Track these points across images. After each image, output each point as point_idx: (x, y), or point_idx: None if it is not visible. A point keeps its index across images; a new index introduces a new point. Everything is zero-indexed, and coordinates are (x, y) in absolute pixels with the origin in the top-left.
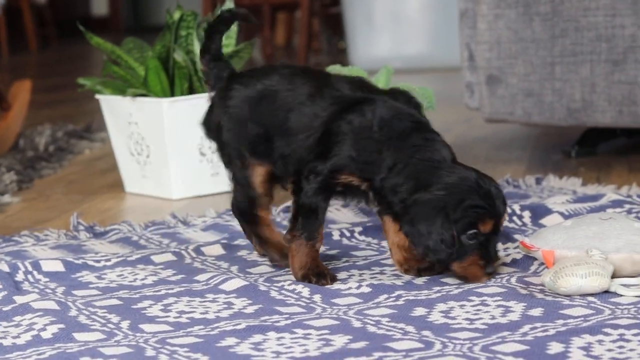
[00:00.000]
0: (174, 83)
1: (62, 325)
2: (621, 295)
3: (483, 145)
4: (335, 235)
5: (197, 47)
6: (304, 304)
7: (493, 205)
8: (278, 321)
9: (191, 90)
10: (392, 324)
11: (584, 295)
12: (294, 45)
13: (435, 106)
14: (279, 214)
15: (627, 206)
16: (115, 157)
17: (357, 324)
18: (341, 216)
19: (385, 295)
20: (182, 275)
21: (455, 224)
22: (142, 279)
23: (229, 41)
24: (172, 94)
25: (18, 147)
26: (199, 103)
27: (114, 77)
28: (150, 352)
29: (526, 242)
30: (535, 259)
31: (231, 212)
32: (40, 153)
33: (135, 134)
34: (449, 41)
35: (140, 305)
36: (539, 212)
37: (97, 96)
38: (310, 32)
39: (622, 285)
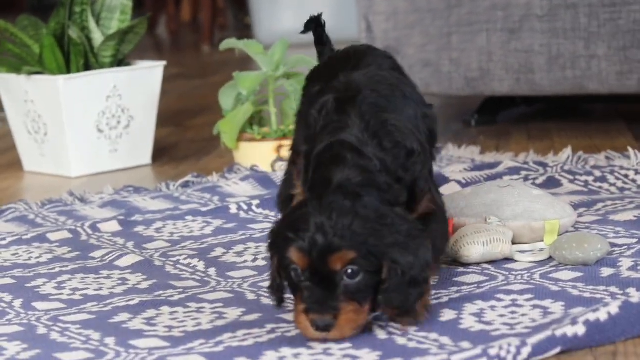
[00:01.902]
0: (70, 60)
1: None
2: (516, 262)
3: None
4: (233, 209)
5: (92, 24)
6: (199, 277)
7: (304, 237)
8: (172, 296)
9: (87, 67)
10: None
11: (485, 262)
12: (199, 22)
13: None
14: None
15: (524, 173)
16: (13, 136)
17: (251, 296)
18: (239, 190)
19: None
20: (77, 253)
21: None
22: (37, 257)
23: (123, 17)
24: (68, 71)
25: None
26: (95, 80)
27: (8, 55)
28: (41, 330)
29: None
30: None
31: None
32: None
33: (32, 112)
34: (350, 14)
35: (34, 283)
36: (438, 181)
37: None
38: (216, 8)
39: (518, 251)
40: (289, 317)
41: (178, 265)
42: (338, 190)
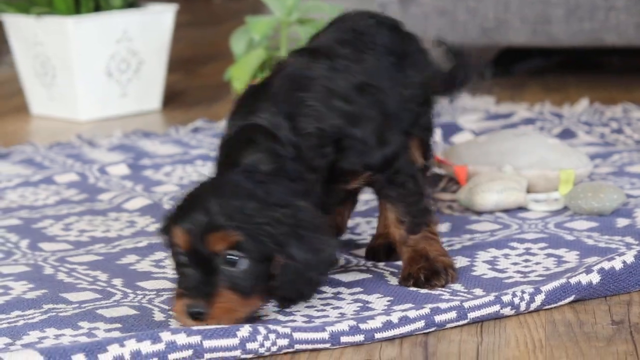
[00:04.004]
0: (79, 1)
1: None
2: (530, 211)
3: None
4: None
5: None
6: None
7: (188, 216)
8: None
9: (97, 9)
10: None
11: (500, 210)
12: None
13: None
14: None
15: (539, 123)
16: (20, 80)
17: None
18: None
19: None
20: (85, 195)
21: None
22: (44, 199)
23: None
24: (78, 13)
25: None
26: (105, 22)
27: None
28: (48, 270)
29: (439, 156)
30: (443, 175)
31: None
32: None
33: (40, 54)
34: None
35: (40, 224)
36: (450, 130)
37: (1, 15)
38: None
39: (532, 200)
40: None
41: None
42: (242, 173)
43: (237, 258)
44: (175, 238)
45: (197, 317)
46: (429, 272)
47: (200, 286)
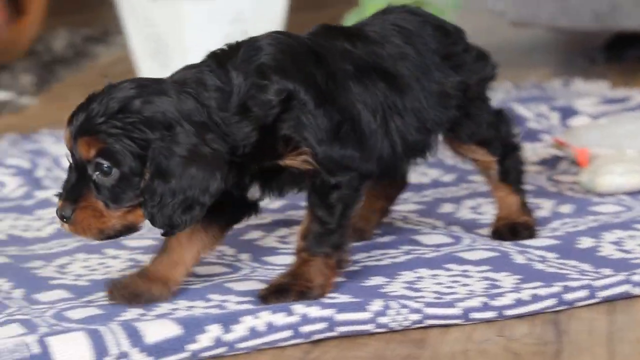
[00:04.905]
0: None
1: None
2: None
3: (507, 50)
4: None
5: None
6: None
7: (76, 110)
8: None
9: None
10: (421, 218)
11: (622, 193)
12: None
13: (461, 5)
14: None
15: None
16: (132, 61)
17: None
18: None
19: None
20: None
21: None
22: None
23: None
24: None
25: (34, 51)
26: (220, 3)
27: None
28: None
29: (560, 138)
30: (564, 158)
31: None
32: (57, 57)
33: (154, 35)
34: None
35: None
36: (567, 113)
37: None
38: None
39: None
40: (426, 239)
41: None
42: (151, 81)
43: (105, 165)
44: (64, 139)
45: (64, 220)
46: (278, 290)
47: (71, 190)
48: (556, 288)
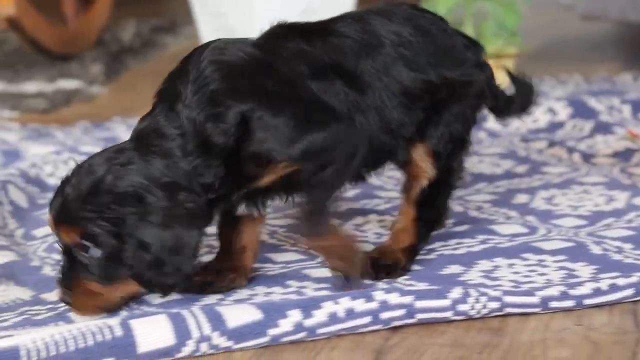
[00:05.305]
0: None
1: None
2: None
3: (576, 44)
4: None
5: None
6: None
7: (55, 195)
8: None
9: None
10: (495, 208)
11: None
12: None
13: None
14: None
15: None
16: None
17: (458, 208)
18: None
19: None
20: None
21: None
22: None
23: None
24: None
25: (102, 41)
26: None
27: None
28: None
29: (633, 130)
30: (637, 150)
31: None
32: (125, 47)
33: (225, 26)
34: None
35: None
36: (639, 106)
37: None
38: None
39: None
40: (501, 229)
41: None
42: (116, 151)
43: (89, 246)
44: (48, 222)
45: (68, 305)
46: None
47: (66, 275)
48: (634, 278)
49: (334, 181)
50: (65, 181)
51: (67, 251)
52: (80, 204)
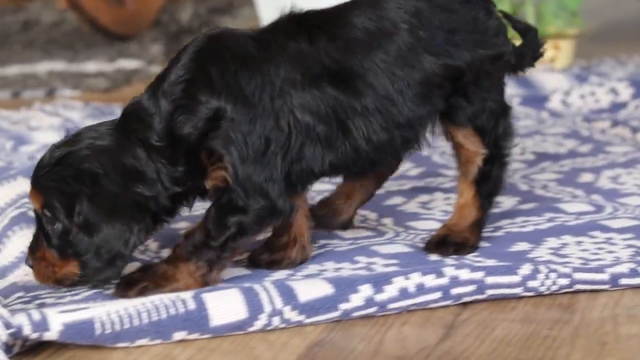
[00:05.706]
0: None
1: None
2: None
3: (636, 26)
4: None
5: None
6: None
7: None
8: (443, 183)
9: None
10: (560, 187)
11: None
12: None
13: None
14: None
15: None
16: None
17: (524, 187)
18: None
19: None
20: None
21: None
22: None
23: None
24: None
25: (160, 22)
26: None
27: None
28: None
29: None
30: None
31: None
32: (183, 27)
33: (284, 6)
34: None
35: None
36: None
37: None
38: None
39: None
40: (568, 207)
41: None
42: (97, 127)
43: (50, 217)
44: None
45: (31, 269)
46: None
47: (34, 240)
48: None
49: (237, 227)
50: (51, 148)
51: (38, 216)
52: (46, 172)
